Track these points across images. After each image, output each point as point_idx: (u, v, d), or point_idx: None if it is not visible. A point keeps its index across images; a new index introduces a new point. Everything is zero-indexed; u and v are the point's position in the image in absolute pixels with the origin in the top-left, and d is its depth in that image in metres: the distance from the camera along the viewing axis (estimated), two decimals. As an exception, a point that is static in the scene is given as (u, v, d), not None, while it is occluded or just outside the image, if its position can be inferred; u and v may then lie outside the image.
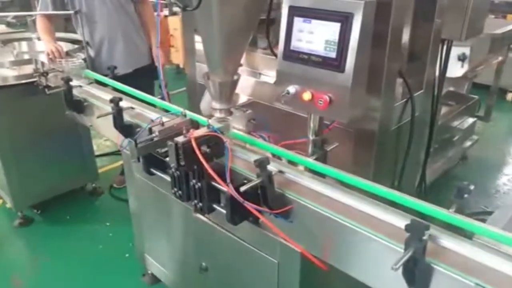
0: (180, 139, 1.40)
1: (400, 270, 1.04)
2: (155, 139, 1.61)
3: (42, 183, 3.19)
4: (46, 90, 2.53)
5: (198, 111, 2.03)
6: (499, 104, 5.14)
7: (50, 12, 3.02)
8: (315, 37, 1.41)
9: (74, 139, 3.26)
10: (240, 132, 1.71)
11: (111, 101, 1.88)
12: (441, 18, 1.98)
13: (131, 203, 2.36)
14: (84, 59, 3.00)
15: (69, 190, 3.41)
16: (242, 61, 2.37)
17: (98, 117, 2.04)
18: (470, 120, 3.93)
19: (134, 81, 2.44)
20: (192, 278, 2.08)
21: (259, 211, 1.36)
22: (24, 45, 3.53)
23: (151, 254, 2.38)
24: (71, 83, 2.31)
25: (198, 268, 1.96)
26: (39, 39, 3.24)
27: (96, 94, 2.30)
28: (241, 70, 2.23)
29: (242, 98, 1.78)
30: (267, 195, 1.32)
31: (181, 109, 1.77)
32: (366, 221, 1.21)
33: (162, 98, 2.19)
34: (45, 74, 2.60)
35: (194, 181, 1.50)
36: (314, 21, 1.41)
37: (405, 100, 1.96)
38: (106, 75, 2.47)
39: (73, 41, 3.39)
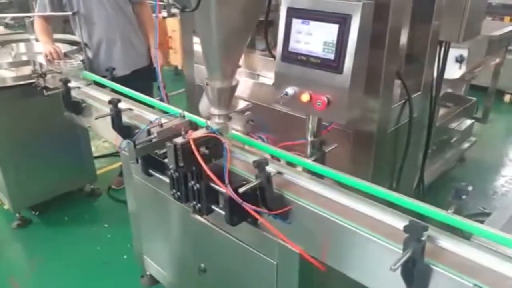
0: (179, 140, 1.40)
1: (399, 271, 1.04)
2: (154, 140, 1.61)
3: (41, 185, 3.18)
4: (44, 91, 2.53)
5: (197, 113, 2.02)
6: (497, 105, 5.16)
7: (48, 13, 3.02)
8: (314, 38, 1.41)
9: (72, 140, 3.26)
10: (238, 133, 1.71)
11: (110, 102, 1.88)
12: (439, 20, 1.98)
13: (129, 204, 2.36)
14: (83, 61, 3.00)
15: (67, 191, 3.41)
16: (241, 62, 2.38)
17: (96, 118, 2.04)
18: (468, 121, 3.94)
19: (132, 83, 2.44)
20: (191, 279, 2.07)
21: (258, 212, 1.36)
22: (22, 47, 3.53)
23: (150, 255, 2.38)
24: (69, 84, 2.31)
25: (197, 269, 1.96)
26: (37, 40, 3.25)
27: (94, 96, 2.30)
28: (239, 71, 2.23)
29: (241, 104, 1.79)
30: (266, 196, 1.33)
31: (179, 111, 1.77)
32: (365, 222, 1.22)
33: (161, 100, 2.19)
34: (43, 75, 2.60)
35: (192, 182, 1.49)
36: (312, 23, 1.41)
37: (403, 101, 1.97)
38: (104, 77, 2.47)
39: (71, 43, 3.39)
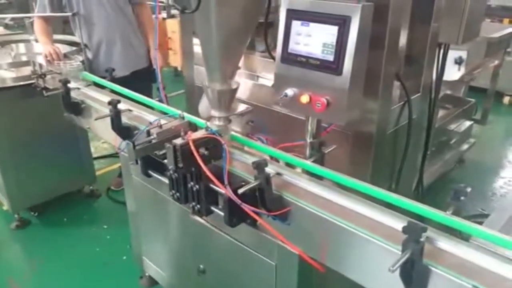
0: (178, 141, 1.40)
1: (398, 272, 1.04)
2: (153, 141, 1.61)
3: (40, 185, 3.18)
4: (44, 92, 2.52)
5: (196, 114, 2.03)
6: (496, 107, 5.17)
7: (48, 14, 3.02)
8: (313, 40, 1.42)
9: (71, 141, 3.26)
10: (238, 134, 1.71)
11: (109, 103, 1.88)
12: (438, 21, 1.99)
13: (128, 205, 2.36)
14: (82, 61, 3.00)
15: (66, 192, 3.41)
16: (241, 64, 2.38)
17: (96, 119, 2.04)
18: (467, 123, 3.95)
19: (132, 84, 2.44)
20: (190, 280, 2.07)
21: (257, 213, 1.36)
22: (22, 47, 3.53)
23: (149, 256, 2.38)
24: (69, 85, 2.31)
25: (196, 270, 1.96)
26: (37, 41, 3.25)
27: (94, 96, 2.30)
28: (239, 73, 2.24)
29: (241, 107, 1.79)
30: (265, 197, 1.33)
31: (179, 112, 1.77)
32: (364, 223, 1.22)
33: (160, 101, 2.19)
34: (43, 76, 2.60)
35: (192, 183, 1.50)
36: (312, 24, 1.41)
37: (402, 103, 1.98)
38: (104, 77, 2.47)
39: (71, 43, 3.40)
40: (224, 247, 1.75)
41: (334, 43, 1.37)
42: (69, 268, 2.84)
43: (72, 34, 3.32)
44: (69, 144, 3.26)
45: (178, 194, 1.57)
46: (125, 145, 1.89)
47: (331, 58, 1.39)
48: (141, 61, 3.28)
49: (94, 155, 3.85)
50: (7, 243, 3.16)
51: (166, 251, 2.21)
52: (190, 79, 2.73)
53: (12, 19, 6.78)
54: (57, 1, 3.00)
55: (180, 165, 1.41)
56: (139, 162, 1.75)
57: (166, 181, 1.61)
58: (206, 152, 1.45)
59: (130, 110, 2.06)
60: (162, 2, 3.50)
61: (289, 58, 1.49)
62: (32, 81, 2.66)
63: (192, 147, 1.39)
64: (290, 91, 1.51)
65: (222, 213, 1.44)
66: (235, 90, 1.59)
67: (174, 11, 3.43)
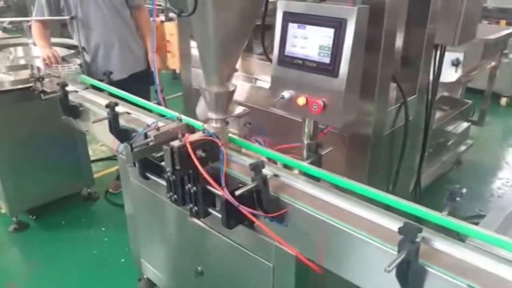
0: (176, 143, 1.41)
1: (394, 273, 1.05)
2: (151, 143, 1.61)
3: (38, 188, 3.18)
4: (42, 95, 2.53)
5: (194, 116, 2.03)
6: (494, 109, 5.19)
7: (46, 17, 3.03)
8: (309, 42, 1.42)
9: (69, 144, 3.27)
10: (235, 136, 1.72)
11: (107, 106, 1.89)
12: (434, 23, 2.00)
13: (126, 208, 2.36)
14: (80, 65, 3.00)
15: (64, 195, 3.41)
16: (238, 66, 2.39)
17: (93, 122, 2.05)
18: (465, 124, 3.96)
19: (130, 86, 2.45)
20: (188, 282, 2.08)
21: (254, 215, 1.36)
22: (20, 51, 3.54)
23: (147, 258, 2.38)
24: (67, 88, 2.32)
25: (194, 272, 1.96)
26: (35, 44, 3.25)
27: (92, 99, 2.31)
28: (237, 75, 2.25)
29: (239, 109, 1.80)
30: (262, 199, 1.33)
31: (176, 114, 1.78)
32: (361, 224, 1.22)
33: (158, 103, 2.20)
34: (41, 79, 2.60)
35: (189, 185, 1.50)
36: (308, 27, 1.42)
37: (398, 104, 1.98)
38: (102, 80, 2.48)
39: (69, 47, 3.40)
40: (221, 249, 1.76)
41: (330, 46, 1.38)
42: (67, 270, 2.84)
43: (70, 37, 3.33)
44: (67, 147, 3.26)
45: (175, 196, 1.57)
46: (123, 148, 1.89)
47: (327, 60, 1.39)
48: (139, 64, 3.28)
49: (92, 158, 3.85)
50: (5, 246, 3.15)
51: (164, 253, 2.21)
52: (187, 82, 2.74)
53: (10, 22, 6.77)
54: (55, 5, 3.01)
55: (178, 167, 1.42)
56: (136, 164, 1.75)
57: (164, 183, 1.62)
58: (203, 154, 1.46)
59: (128, 113, 2.07)
60: (160, 5, 3.51)
61: (286, 61, 1.50)
62: (30, 85, 2.66)
63: (190, 149, 1.40)
64: (287, 93, 1.51)
65: (219, 215, 1.44)
66: (232, 93, 1.60)
67: (172, 14, 3.43)
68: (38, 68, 2.71)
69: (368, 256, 1.18)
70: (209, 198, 1.51)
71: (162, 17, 3.34)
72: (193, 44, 2.63)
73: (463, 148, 4.01)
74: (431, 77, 2.32)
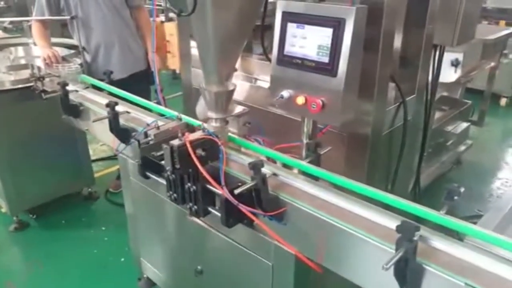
0: (175, 142, 1.41)
1: (392, 271, 1.06)
2: (151, 142, 1.62)
3: (38, 188, 3.19)
4: (43, 94, 2.54)
5: (194, 116, 2.04)
6: (493, 109, 5.19)
7: (46, 17, 3.03)
8: (308, 42, 1.43)
9: (70, 143, 3.27)
10: (235, 136, 1.72)
11: (107, 105, 1.89)
12: (433, 23, 2.01)
13: (127, 207, 2.37)
14: (81, 64, 3.01)
15: (65, 194, 3.41)
16: (238, 66, 2.40)
17: (94, 121, 2.05)
18: (464, 124, 3.96)
19: (130, 86, 2.46)
20: (188, 281, 2.08)
21: (254, 214, 1.37)
22: (20, 50, 3.54)
23: (147, 258, 2.39)
24: (67, 87, 2.33)
25: (194, 271, 1.96)
26: (35, 44, 3.26)
27: (92, 99, 2.31)
28: (237, 75, 2.25)
29: (238, 109, 1.81)
30: (261, 198, 1.34)
31: (176, 113, 1.78)
32: (360, 223, 1.23)
33: (158, 103, 2.20)
34: (41, 79, 2.61)
35: (189, 184, 1.51)
36: (307, 27, 1.43)
37: (397, 104, 1.99)
38: (102, 80, 2.49)
39: (70, 46, 3.41)
40: (221, 248, 1.76)
41: (329, 45, 1.38)
42: (67, 270, 2.84)
43: (70, 37, 3.33)
44: (68, 146, 3.27)
45: (175, 195, 1.58)
46: (123, 147, 1.90)
47: (326, 60, 1.40)
48: (139, 63, 3.29)
49: (93, 157, 3.86)
50: (5, 246, 3.16)
51: (164, 252, 2.22)
52: (187, 81, 2.74)
53: (11, 22, 6.79)
54: (55, 5, 3.01)
55: (177, 166, 1.42)
56: (137, 164, 1.76)
57: (164, 182, 1.63)
58: (203, 153, 1.46)
59: (128, 112, 2.08)
60: (160, 6, 3.52)
61: (285, 60, 1.51)
62: (31, 84, 2.67)
63: (189, 148, 1.41)
64: (286, 93, 1.52)
65: (219, 214, 1.45)
66: (231, 92, 1.61)
67: (172, 15, 3.44)
68: (39, 68, 2.72)
69: (367, 255, 1.19)
70: (209, 197, 1.52)
71: (162, 17, 3.35)
72: (193, 44, 2.64)
73: (462, 148, 4.01)
74: (430, 77, 2.32)
